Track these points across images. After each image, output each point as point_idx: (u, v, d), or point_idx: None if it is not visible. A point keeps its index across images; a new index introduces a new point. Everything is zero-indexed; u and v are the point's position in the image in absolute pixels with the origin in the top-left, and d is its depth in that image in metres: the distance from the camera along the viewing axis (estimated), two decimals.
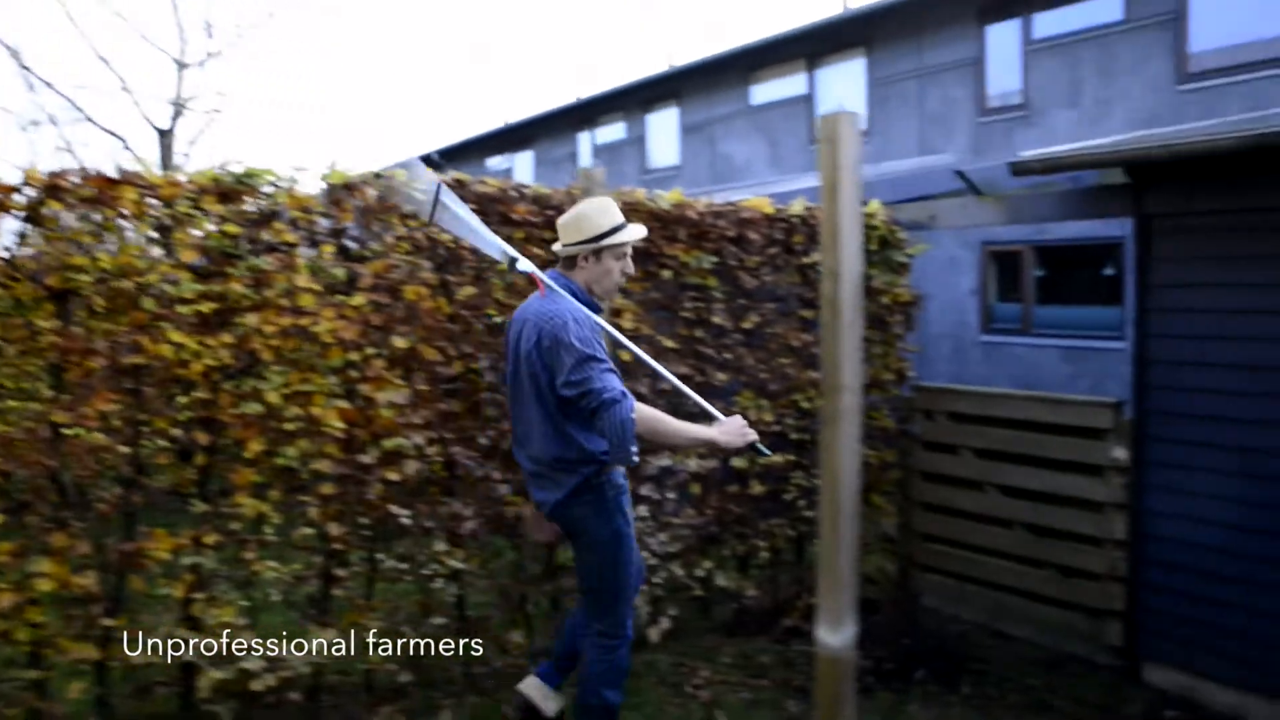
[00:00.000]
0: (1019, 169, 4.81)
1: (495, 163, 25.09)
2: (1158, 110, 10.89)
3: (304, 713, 4.23)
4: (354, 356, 4.06)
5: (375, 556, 4.30)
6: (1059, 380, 11.82)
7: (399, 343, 4.15)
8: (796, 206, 5.44)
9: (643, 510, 4.90)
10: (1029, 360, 12.40)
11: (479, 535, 4.48)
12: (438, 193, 3.49)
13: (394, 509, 4.20)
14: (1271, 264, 4.48)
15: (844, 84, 15.08)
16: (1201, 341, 4.73)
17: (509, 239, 4.49)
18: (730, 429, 3.29)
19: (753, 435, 3.30)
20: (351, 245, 4.17)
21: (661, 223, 4.84)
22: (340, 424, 4.00)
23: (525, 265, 3.50)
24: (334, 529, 4.07)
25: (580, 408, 3.24)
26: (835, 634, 2.93)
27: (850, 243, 2.74)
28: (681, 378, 4.91)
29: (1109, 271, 11.85)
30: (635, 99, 19.60)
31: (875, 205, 5.80)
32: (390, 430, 4.14)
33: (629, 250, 3.49)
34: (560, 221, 3.50)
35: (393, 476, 4.16)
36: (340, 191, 4.05)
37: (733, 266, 5.16)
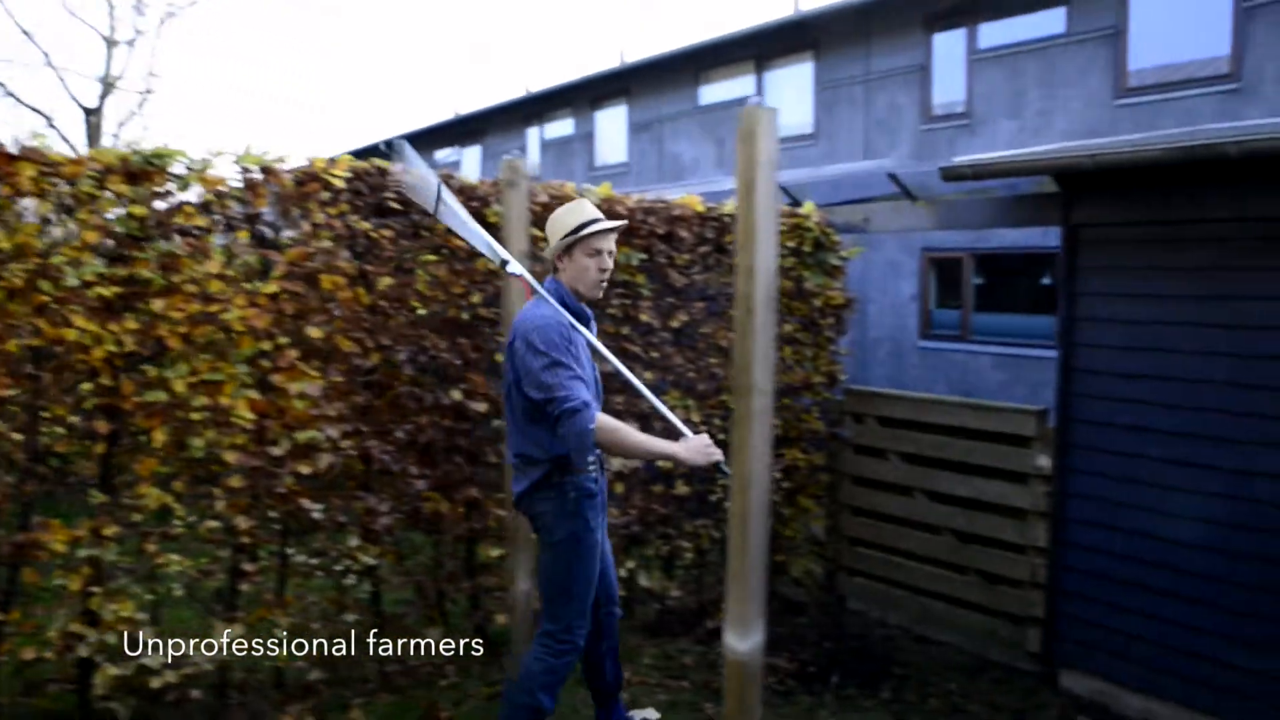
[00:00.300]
0: (949, 174, 4.82)
1: (444, 155, 24.83)
2: (1096, 124, 11.04)
3: (208, 711, 4.10)
4: (266, 346, 3.94)
5: (286, 551, 4.18)
6: (995, 387, 11.95)
7: (314, 332, 4.03)
8: (729, 205, 5.40)
9: None
10: (967, 366, 12.53)
11: (394, 531, 4.38)
12: (439, 188, 3.65)
13: (305, 503, 4.08)
14: (1194, 276, 4.53)
15: (792, 87, 15.11)
16: (1125, 352, 4.77)
17: (429, 230, 4.40)
18: (694, 446, 3.33)
19: (717, 455, 3.33)
20: (267, 232, 4.05)
21: None
22: (250, 415, 3.87)
23: (515, 268, 3.61)
24: (242, 522, 3.95)
25: (545, 412, 3.27)
26: (743, 640, 2.88)
27: (766, 240, 2.70)
28: (605, 376, 4.87)
29: (1046, 281, 12.01)
30: (585, 95, 19.49)
31: (810, 207, 5.78)
32: (303, 422, 4.02)
33: (603, 246, 3.51)
34: (556, 216, 3.57)
35: (305, 470, 4.04)
36: (256, 175, 3.92)
37: (662, 264, 5.11)
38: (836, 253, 5.93)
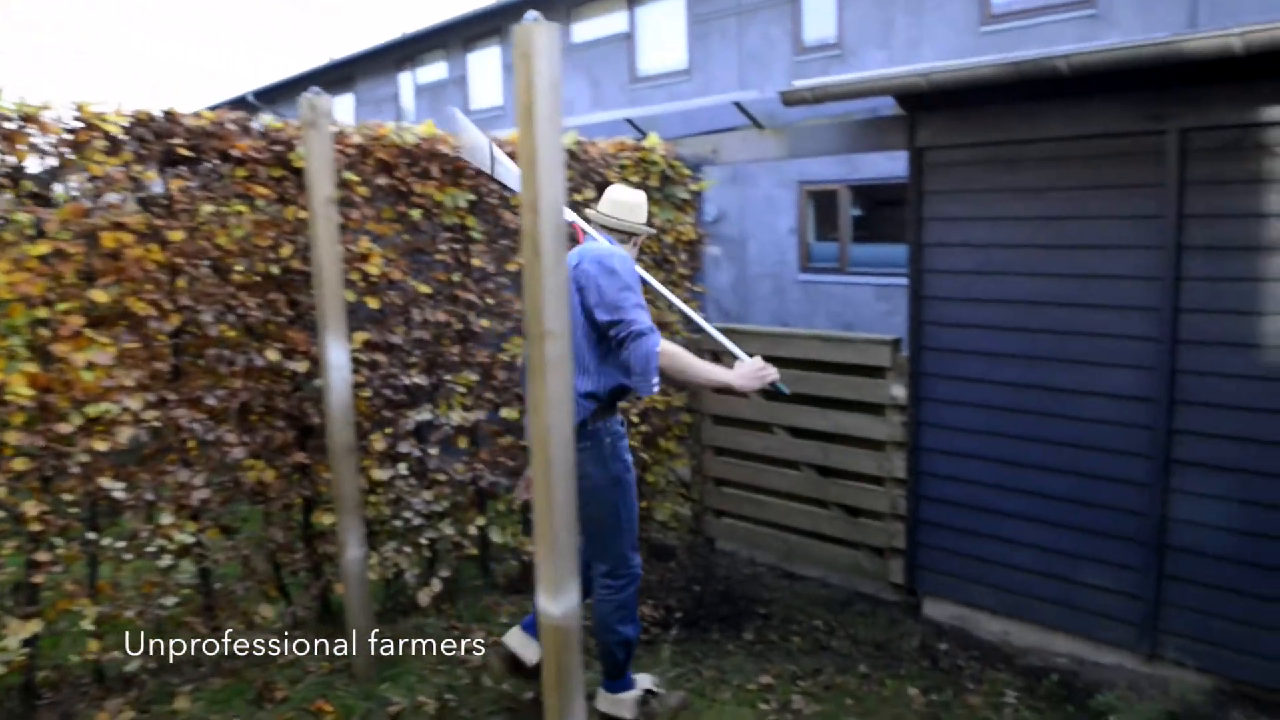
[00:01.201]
0: (789, 98, 4.64)
1: None
2: (962, 52, 11.03)
3: (11, 715, 3.78)
4: (43, 313, 3.57)
5: (89, 536, 3.85)
6: (875, 318, 12.01)
7: (100, 296, 3.68)
8: (569, 137, 5.15)
9: (403, 469, 4.58)
10: (846, 298, 12.56)
11: (212, 505, 4.09)
12: (490, 149, 3.94)
13: (105, 482, 3.75)
14: (1034, 197, 4.46)
15: (664, 22, 14.81)
16: (973, 277, 4.70)
17: (230, 177, 4.05)
18: (748, 372, 3.50)
19: (772, 374, 3.52)
20: (37, 187, 3.65)
21: (410, 159, 4.46)
22: (28, 390, 3.52)
23: (567, 215, 3.57)
24: (31, 509, 3.61)
25: (610, 336, 3.36)
26: (555, 602, 2.69)
27: (549, 171, 2.47)
28: (440, 325, 4.62)
29: None
30: (458, 36, 18.85)
31: (654, 139, 5.55)
32: (95, 395, 3.68)
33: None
34: (622, 198, 3.78)
35: (101, 446, 3.71)
36: (14, 125, 3.52)
37: (494, 205, 4.82)
38: (686, 186, 5.73)
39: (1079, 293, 4.33)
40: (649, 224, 3.92)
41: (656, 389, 3.34)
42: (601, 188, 5.36)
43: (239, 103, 23.37)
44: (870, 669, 4.54)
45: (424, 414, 4.60)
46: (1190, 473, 4.15)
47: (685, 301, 5.78)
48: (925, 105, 4.70)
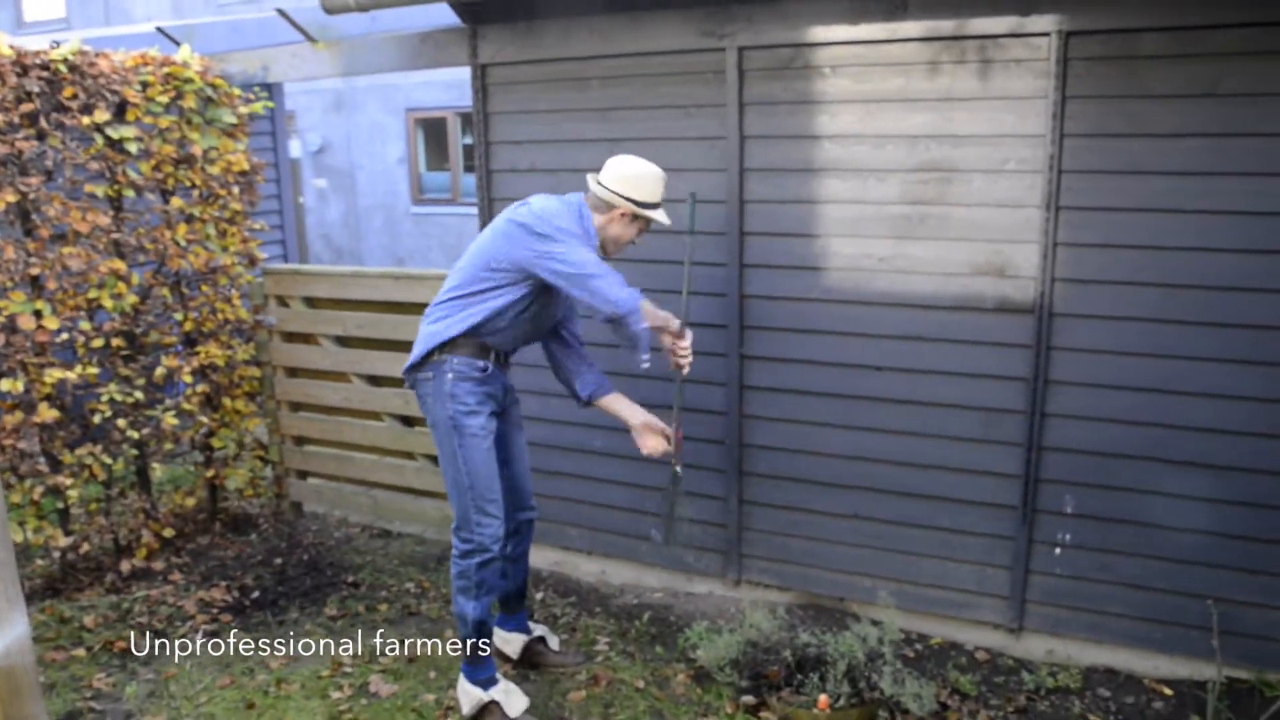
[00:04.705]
0: (330, 7, 4.05)
1: None
2: None
3: None
4: None
5: None
6: None
7: None
8: (64, 50, 4.23)
9: None
10: (460, 230, 12.12)
11: None
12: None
13: None
14: (601, 118, 4.21)
15: None
16: None
17: None
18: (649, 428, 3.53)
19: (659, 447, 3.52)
20: None
21: None
22: None
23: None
24: None
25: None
26: None
27: None
28: None
29: None
30: None
31: (186, 52, 4.72)
32: None
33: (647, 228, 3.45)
34: (627, 171, 3.32)
35: None
36: None
37: None
38: (233, 109, 4.95)
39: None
40: (652, 207, 3.35)
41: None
42: (121, 109, 4.49)
43: None
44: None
45: None
46: (757, 398, 4.14)
47: (243, 241, 5.10)
48: (486, 17, 4.29)
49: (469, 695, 3.49)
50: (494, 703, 3.46)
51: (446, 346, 3.30)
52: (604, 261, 3.24)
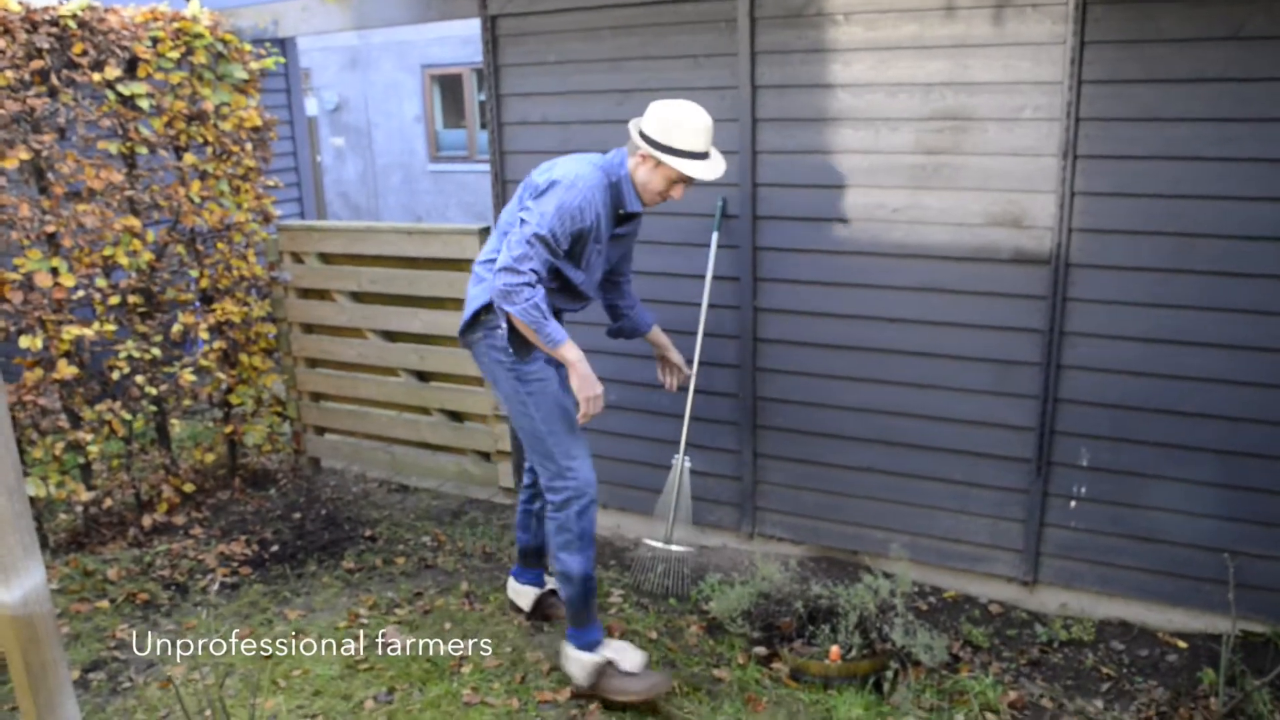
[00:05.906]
0: None
1: None
2: None
3: None
4: None
5: None
6: None
7: None
8: (73, 5, 4.21)
9: None
10: (477, 187, 12.09)
11: None
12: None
13: None
14: (612, 69, 4.16)
15: None
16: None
17: None
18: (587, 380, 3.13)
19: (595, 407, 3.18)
20: None
21: None
22: None
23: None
24: None
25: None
26: (8, 587, 2.09)
27: None
28: None
29: None
30: None
31: (196, 6, 4.70)
32: None
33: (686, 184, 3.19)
34: (660, 114, 3.11)
35: None
36: None
37: None
38: (244, 64, 4.93)
39: None
40: (687, 156, 3.09)
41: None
42: (132, 65, 4.48)
43: None
44: (474, 585, 4.24)
45: None
46: (771, 351, 4.12)
47: (257, 198, 5.10)
48: None
49: (581, 663, 3.31)
50: (609, 663, 3.29)
51: (490, 307, 3.20)
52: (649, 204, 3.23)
